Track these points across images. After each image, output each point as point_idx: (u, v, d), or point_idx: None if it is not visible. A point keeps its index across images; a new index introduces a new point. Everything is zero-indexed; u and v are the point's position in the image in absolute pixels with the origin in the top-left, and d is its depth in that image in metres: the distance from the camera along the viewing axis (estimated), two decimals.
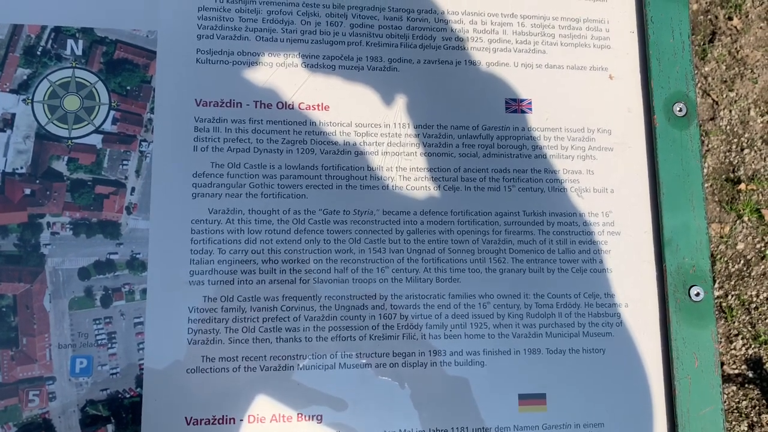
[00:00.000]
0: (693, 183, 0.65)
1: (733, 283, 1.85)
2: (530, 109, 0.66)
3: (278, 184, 0.61)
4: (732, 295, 1.83)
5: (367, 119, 0.63)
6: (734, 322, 1.80)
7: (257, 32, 0.63)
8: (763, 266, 1.87)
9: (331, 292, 0.60)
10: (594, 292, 0.63)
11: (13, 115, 0.58)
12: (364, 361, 0.59)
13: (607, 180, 0.66)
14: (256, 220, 0.60)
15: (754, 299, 1.82)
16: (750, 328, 1.78)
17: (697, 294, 0.63)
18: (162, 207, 0.59)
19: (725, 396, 1.68)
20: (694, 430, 0.61)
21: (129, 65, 0.61)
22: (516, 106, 0.65)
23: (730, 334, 1.79)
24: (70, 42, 0.60)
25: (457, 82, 0.65)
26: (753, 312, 1.80)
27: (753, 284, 1.84)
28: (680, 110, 0.67)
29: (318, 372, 0.59)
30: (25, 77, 0.59)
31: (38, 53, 0.60)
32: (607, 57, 0.68)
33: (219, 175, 0.60)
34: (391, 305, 0.60)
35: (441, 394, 0.60)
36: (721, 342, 1.79)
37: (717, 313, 1.77)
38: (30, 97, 0.59)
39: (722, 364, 1.75)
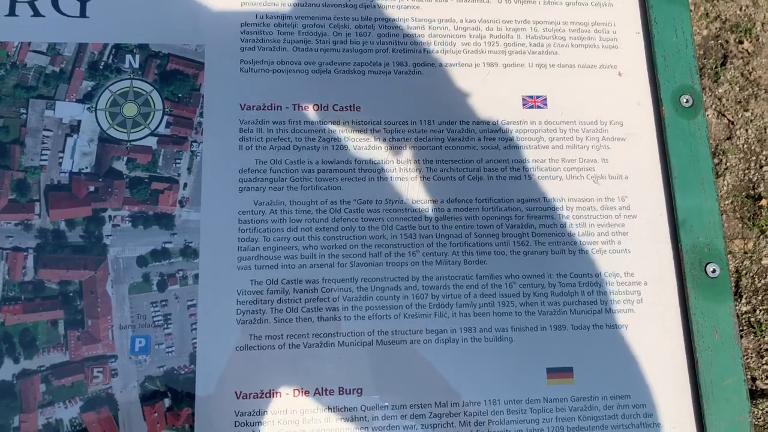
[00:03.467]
0: (702, 167, 0.69)
1: (760, 297, 1.84)
2: (545, 105, 0.71)
3: (316, 178, 0.66)
4: (760, 310, 1.82)
5: (395, 117, 0.69)
6: (764, 337, 1.79)
7: (294, 43, 0.70)
8: None
9: (367, 275, 0.64)
10: (614, 272, 0.67)
11: (79, 121, 0.65)
12: (398, 338, 0.64)
13: (621, 167, 0.70)
14: (296, 210, 0.65)
15: None
16: None
17: (713, 271, 0.67)
18: (212, 200, 0.65)
19: (759, 411, 1.67)
20: (718, 401, 0.64)
21: (180, 75, 0.67)
22: (532, 102, 0.71)
23: (761, 348, 1.78)
24: (128, 57, 0.67)
25: (476, 82, 0.71)
26: None
27: None
28: (687, 101, 0.71)
29: (357, 348, 0.63)
30: (89, 88, 0.66)
31: (101, 67, 0.67)
32: (616, 56, 0.73)
33: (263, 171, 0.66)
34: (423, 286, 0.65)
35: (473, 368, 0.63)
36: (752, 357, 1.78)
37: (746, 328, 1.77)
38: (93, 106, 0.66)
39: (754, 379, 1.74)
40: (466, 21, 0.73)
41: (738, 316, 1.76)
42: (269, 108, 0.68)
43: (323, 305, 0.63)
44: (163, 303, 0.62)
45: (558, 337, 0.65)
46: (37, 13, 0.67)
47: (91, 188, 0.64)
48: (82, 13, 0.68)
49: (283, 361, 0.62)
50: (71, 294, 0.61)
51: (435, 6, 0.73)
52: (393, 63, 0.71)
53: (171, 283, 0.63)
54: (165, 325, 0.62)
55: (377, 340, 0.63)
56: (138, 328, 0.61)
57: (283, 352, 0.62)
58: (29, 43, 0.66)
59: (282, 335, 0.62)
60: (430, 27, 0.72)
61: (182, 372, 0.61)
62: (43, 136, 0.64)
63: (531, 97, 0.71)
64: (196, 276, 0.63)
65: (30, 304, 0.61)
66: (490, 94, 0.71)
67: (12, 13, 0.67)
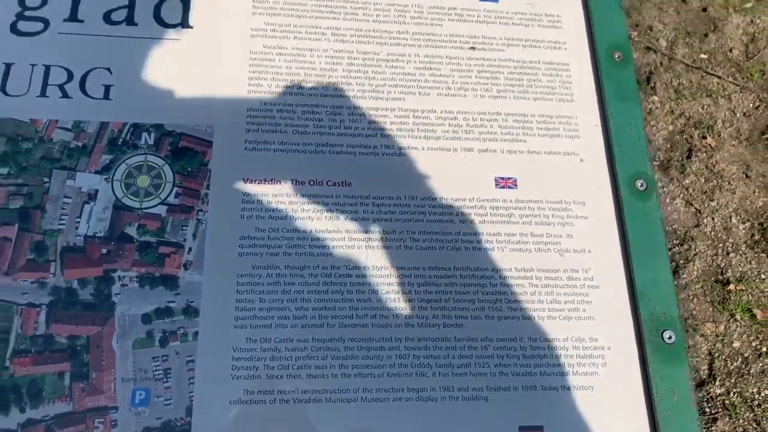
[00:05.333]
0: (657, 244, 0.78)
1: (733, 380, 1.89)
2: (516, 186, 0.79)
3: (309, 245, 0.73)
4: (734, 393, 1.86)
5: (382, 193, 0.77)
6: (739, 420, 1.82)
7: (294, 127, 0.78)
8: (761, 364, 1.92)
9: (354, 335, 0.70)
10: (580, 337, 0.73)
11: (97, 190, 0.72)
12: (382, 395, 0.68)
13: (584, 242, 0.78)
14: (290, 274, 0.72)
15: (756, 396, 1.85)
16: (755, 426, 1.81)
17: (670, 337, 0.73)
18: (214, 264, 0.71)
19: None
20: None
21: (190, 152, 0.75)
22: (504, 182, 0.79)
23: (736, 431, 1.81)
24: (144, 134, 0.75)
25: (454, 164, 0.80)
26: (756, 409, 1.83)
27: (753, 381, 1.89)
28: (641, 185, 0.80)
29: (342, 405, 0.67)
30: (107, 161, 0.74)
31: (119, 143, 0.75)
32: (577, 144, 0.83)
33: (261, 238, 0.73)
34: (405, 346, 0.70)
35: (451, 425, 0.68)
36: None
37: (721, 410, 1.80)
38: (110, 177, 0.73)
39: None
40: (445, 112, 0.82)
41: (713, 398, 1.81)
42: (270, 182, 0.75)
43: (312, 363, 0.69)
44: (164, 358, 0.67)
45: (529, 396, 0.70)
46: (65, 95, 0.76)
47: (104, 251, 0.70)
48: (106, 96, 0.76)
49: (274, 415, 0.66)
50: (79, 348, 0.66)
51: (418, 98, 0.83)
52: (381, 146, 0.79)
53: (172, 340, 0.68)
54: (164, 379, 0.66)
55: (362, 398, 0.68)
56: (139, 381, 0.66)
57: (273, 406, 0.66)
58: (57, 121, 0.74)
59: (273, 391, 0.67)
60: (414, 116, 0.82)
61: (179, 424, 0.65)
62: (63, 202, 0.71)
63: (503, 178, 0.80)
64: (196, 333, 0.68)
65: (39, 356, 0.65)
66: (467, 174, 0.79)
67: (43, 94, 0.75)
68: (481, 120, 0.83)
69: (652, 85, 2.64)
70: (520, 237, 0.77)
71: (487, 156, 0.81)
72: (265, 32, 0.82)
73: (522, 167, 0.81)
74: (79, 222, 0.71)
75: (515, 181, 0.80)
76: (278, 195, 0.75)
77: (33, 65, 0.76)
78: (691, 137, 2.48)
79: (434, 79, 0.84)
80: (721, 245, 2.21)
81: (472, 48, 0.86)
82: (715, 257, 2.18)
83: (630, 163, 0.82)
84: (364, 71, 0.83)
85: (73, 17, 0.79)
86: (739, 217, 2.30)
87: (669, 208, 2.29)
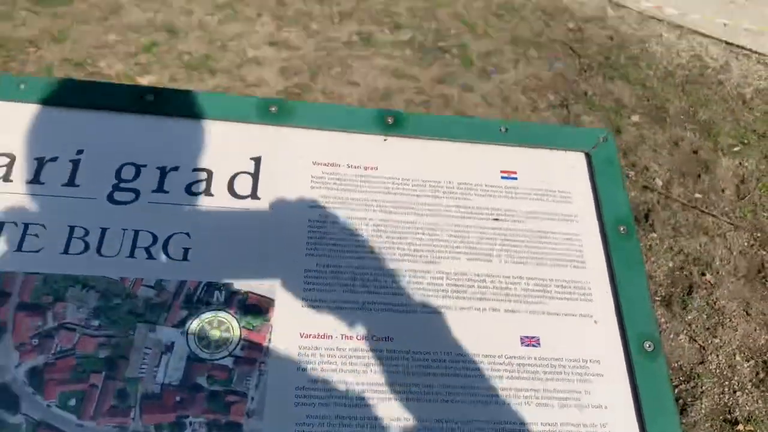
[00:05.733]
0: (665, 400, 0.87)
1: None
2: (539, 344, 0.90)
3: (356, 397, 0.82)
4: None
5: (420, 348, 0.87)
6: None
7: (343, 287, 0.90)
8: None
9: None
10: None
11: (173, 342, 0.83)
12: None
13: (601, 398, 0.87)
14: (340, 423, 0.80)
15: None
16: None
17: None
18: (273, 412, 0.80)
19: None
20: None
21: (256, 309, 0.87)
22: (528, 341, 0.90)
23: None
24: (216, 293, 0.87)
25: (484, 323, 0.91)
26: None
27: None
28: (649, 346, 0.91)
29: None
30: (183, 316, 0.85)
31: (194, 300, 0.86)
32: (591, 307, 0.94)
33: (314, 389, 0.82)
34: None
35: None
36: None
37: None
38: (185, 330, 0.84)
39: None
40: (475, 275, 0.95)
41: None
42: (322, 337, 0.86)
43: None
44: None
45: None
46: (150, 256, 0.88)
47: (177, 398, 0.79)
48: (185, 257, 0.89)
49: None
50: None
51: (451, 262, 0.95)
52: (418, 304, 0.91)
53: None
54: None
55: None
56: None
57: None
58: (142, 279, 0.86)
59: None
60: (447, 278, 0.94)
61: None
62: (144, 353, 0.81)
63: (527, 337, 0.90)
64: None
65: None
66: (495, 333, 0.90)
67: (131, 255, 0.88)
68: (506, 283, 0.95)
69: (651, 222, 2.80)
70: (544, 393, 0.86)
71: (512, 316, 0.92)
72: (321, 204, 0.96)
73: (544, 327, 0.91)
74: (157, 371, 0.81)
75: (538, 340, 0.90)
76: (330, 348, 0.85)
77: (124, 230, 0.90)
78: (691, 274, 2.60)
79: (464, 245, 0.97)
80: (727, 383, 2.26)
81: (496, 219, 1.00)
82: (721, 395, 2.22)
83: (638, 325, 0.93)
84: (404, 238, 0.96)
85: (160, 188, 0.94)
86: (742, 355, 2.36)
87: (673, 344, 2.36)
